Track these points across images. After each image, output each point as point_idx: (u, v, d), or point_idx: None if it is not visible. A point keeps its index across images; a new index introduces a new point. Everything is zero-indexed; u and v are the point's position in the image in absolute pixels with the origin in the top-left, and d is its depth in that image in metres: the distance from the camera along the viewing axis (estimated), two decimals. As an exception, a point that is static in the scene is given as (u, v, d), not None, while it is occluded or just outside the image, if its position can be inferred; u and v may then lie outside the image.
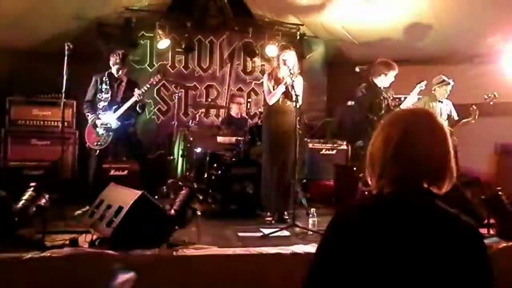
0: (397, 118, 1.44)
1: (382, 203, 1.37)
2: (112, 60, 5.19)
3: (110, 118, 5.10)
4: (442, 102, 5.90)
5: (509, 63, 5.75)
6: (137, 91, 5.06)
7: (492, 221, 4.05)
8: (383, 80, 5.24)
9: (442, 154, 1.37)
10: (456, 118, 5.94)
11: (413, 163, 1.35)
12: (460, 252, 1.25)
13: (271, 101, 4.87)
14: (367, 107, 5.20)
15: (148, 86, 5.21)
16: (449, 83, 5.76)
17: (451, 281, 1.23)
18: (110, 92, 5.16)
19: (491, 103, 5.68)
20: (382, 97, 5.23)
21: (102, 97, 5.15)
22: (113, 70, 5.19)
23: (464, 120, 5.86)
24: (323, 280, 1.36)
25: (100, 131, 5.11)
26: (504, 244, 3.52)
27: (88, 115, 5.17)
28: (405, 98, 5.33)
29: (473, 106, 5.72)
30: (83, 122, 5.53)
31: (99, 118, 5.11)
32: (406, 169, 1.35)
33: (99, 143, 5.13)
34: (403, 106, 5.20)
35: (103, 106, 5.14)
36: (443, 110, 5.89)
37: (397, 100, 5.38)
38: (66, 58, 4.57)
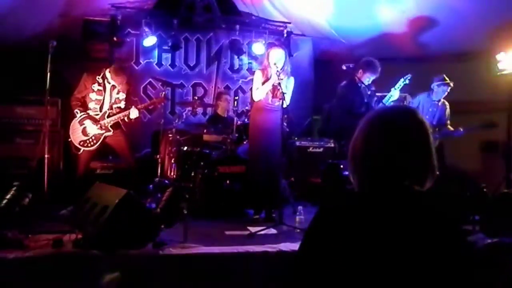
0: (377, 116, 1.44)
1: (363, 200, 1.37)
2: (114, 67, 5.16)
3: (102, 123, 5.08)
4: (438, 103, 5.94)
5: (496, 61, 5.80)
6: (135, 111, 5.09)
7: (477, 217, 4.09)
8: (363, 78, 5.30)
9: (422, 152, 1.37)
10: (448, 122, 5.98)
11: (392, 161, 1.35)
12: (441, 247, 1.25)
13: (256, 98, 4.87)
14: (349, 105, 5.25)
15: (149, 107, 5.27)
16: (448, 84, 5.77)
17: (434, 274, 1.23)
18: (103, 95, 5.11)
19: None
20: (362, 94, 5.29)
21: (93, 98, 5.10)
22: (111, 75, 5.14)
23: (451, 130, 5.94)
24: (305, 278, 1.35)
25: (92, 132, 5.06)
26: (489, 241, 3.56)
27: (77, 112, 5.09)
28: (383, 95, 5.38)
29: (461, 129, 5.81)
30: (68, 120, 5.46)
31: (89, 119, 5.06)
32: (385, 166, 1.35)
33: (85, 143, 5.07)
34: (386, 101, 5.24)
35: (94, 108, 5.10)
36: (436, 112, 5.93)
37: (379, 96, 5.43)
38: (49, 55, 4.51)
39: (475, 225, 4.06)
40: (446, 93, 5.85)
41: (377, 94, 5.47)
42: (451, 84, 5.77)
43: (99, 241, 3.11)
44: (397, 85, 5.28)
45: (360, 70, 5.34)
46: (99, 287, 2.73)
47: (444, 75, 5.81)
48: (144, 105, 5.46)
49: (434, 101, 5.93)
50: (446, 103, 5.98)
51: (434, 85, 5.85)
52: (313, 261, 1.35)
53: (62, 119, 6.04)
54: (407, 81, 5.30)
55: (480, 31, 5.93)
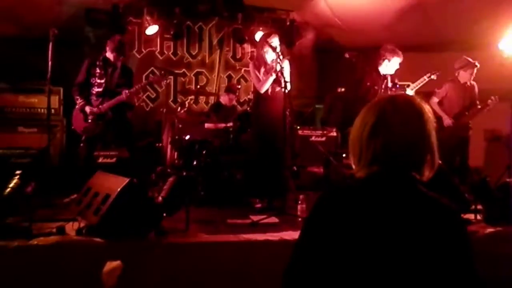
0: (376, 103, 1.43)
1: (363, 189, 1.37)
2: (110, 45, 5.11)
3: (101, 107, 5.07)
4: (465, 85, 5.81)
5: (498, 51, 5.76)
6: (124, 93, 5.04)
7: (479, 207, 4.09)
8: (387, 66, 5.22)
9: (419, 140, 1.36)
10: (477, 103, 5.86)
11: (388, 148, 1.34)
12: (441, 234, 1.25)
13: (262, 89, 4.75)
14: (363, 93, 5.20)
15: (141, 85, 5.24)
16: (474, 65, 5.66)
17: (433, 264, 1.23)
18: (104, 78, 5.09)
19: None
20: (376, 82, 5.23)
21: (95, 82, 5.08)
22: (110, 55, 5.11)
23: (479, 107, 5.83)
24: (305, 265, 1.36)
25: (92, 117, 5.05)
26: (491, 230, 3.56)
27: (77, 99, 5.08)
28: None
29: (493, 97, 5.69)
30: (70, 109, 5.45)
31: (89, 104, 5.04)
32: (382, 154, 1.35)
33: (86, 130, 5.06)
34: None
35: (97, 92, 5.07)
36: (466, 94, 5.82)
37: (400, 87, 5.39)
38: (51, 44, 4.49)
39: (477, 215, 4.06)
40: (474, 75, 5.72)
41: (400, 83, 5.42)
42: (477, 64, 5.66)
43: (102, 229, 3.11)
44: (419, 80, 5.28)
45: (380, 57, 5.26)
46: (101, 275, 2.74)
47: (466, 57, 5.70)
48: (140, 85, 5.39)
49: (461, 84, 5.82)
50: (474, 83, 5.86)
51: (460, 70, 5.73)
52: (313, 248, 1.35)
53: (64, 107, 6.04)
54: (432, 78, 5.32)
55: (483, 20, 5.88)
